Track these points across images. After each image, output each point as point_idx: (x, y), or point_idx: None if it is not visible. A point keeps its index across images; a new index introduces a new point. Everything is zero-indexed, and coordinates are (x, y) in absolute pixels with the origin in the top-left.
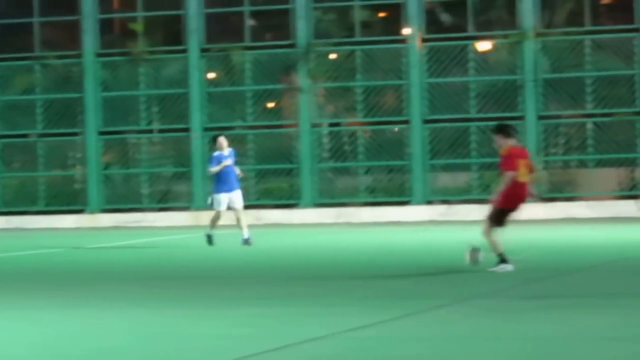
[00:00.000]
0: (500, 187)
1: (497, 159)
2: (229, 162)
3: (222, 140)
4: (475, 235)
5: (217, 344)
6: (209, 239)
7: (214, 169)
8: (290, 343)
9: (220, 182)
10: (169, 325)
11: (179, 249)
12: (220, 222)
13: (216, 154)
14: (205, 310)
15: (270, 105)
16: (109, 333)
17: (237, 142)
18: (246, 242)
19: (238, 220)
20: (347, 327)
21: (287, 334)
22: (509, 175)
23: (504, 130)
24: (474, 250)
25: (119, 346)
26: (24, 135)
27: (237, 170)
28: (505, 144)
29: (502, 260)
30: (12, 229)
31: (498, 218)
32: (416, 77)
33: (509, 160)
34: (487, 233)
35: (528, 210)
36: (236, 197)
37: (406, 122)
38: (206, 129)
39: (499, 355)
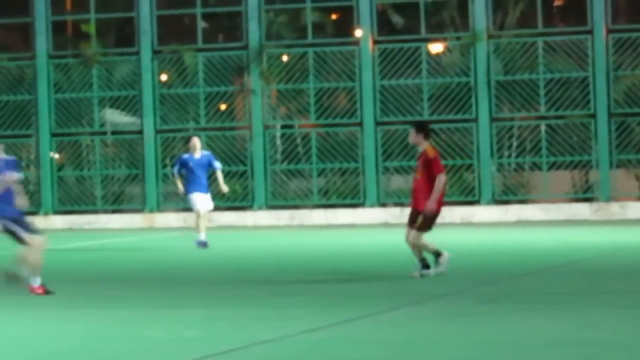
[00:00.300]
0: (436, 192)
1: (453, 161)
2: (179, 185)
3: (195, 142)
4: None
5: (168, 346)
6: (202, 244)
7: (177, 179)
8: (240, 346)
9: (189, 183)
10: (120, 327)
11: (132, 251)
12: (204, 221)
13: (185, 156)
14: (157, 312)
15: (223, 107)
16: (59, 335)
17: (183, 143)
18: (203, 244)
19: (199, 222)
20: (299, 330)
21: (237, 336)
22: (443, 178)
23: (427, 129)
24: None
25: (69, 348)
26: None
27: (224, 187)
28: (423, 143)
29: (437, 256)
30: None
31: (431, 224)
32: (368, 79)
33: (439, 163)
34: (418, 240)
35: (481, 213)
36: (205, 199)
37: (359, 124)
38: (158, 131)
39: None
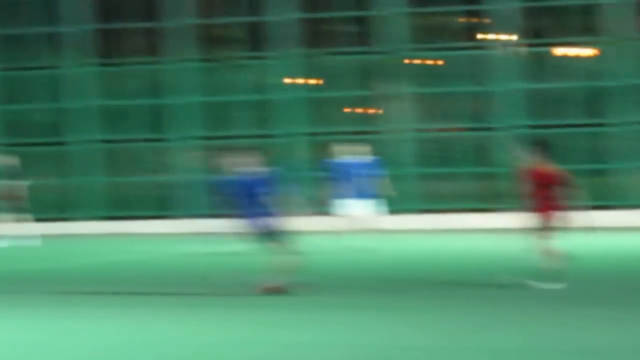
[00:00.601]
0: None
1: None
2: (326, 189)
3: (337, 148)
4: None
5: (304, 351)
6: (355, 248)
7: (325, 183)
8: (385, 352)
9: (339, 189)
10: (259, 331)
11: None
12: (353, 227)
13: (333, 160)
14: (297, 316)
15: (360, 111)
16: (203, 336)
17: (328, 148)
18: (357, 249)
19: (354, 228)
20: (445, 337)
21: (382, 341)
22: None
23: (543, 147)
24: None
25: (202, 351)
26: (124, 141)
27: (388, 187)
28: (534, 160)
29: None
30: (116, 234)
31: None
32: (504, 83)
33: (563, 174)
34: (548, 244)
35: (623, 218)
36: (361, 205)
37: (494, 128)
38: (296, 135)
39: None
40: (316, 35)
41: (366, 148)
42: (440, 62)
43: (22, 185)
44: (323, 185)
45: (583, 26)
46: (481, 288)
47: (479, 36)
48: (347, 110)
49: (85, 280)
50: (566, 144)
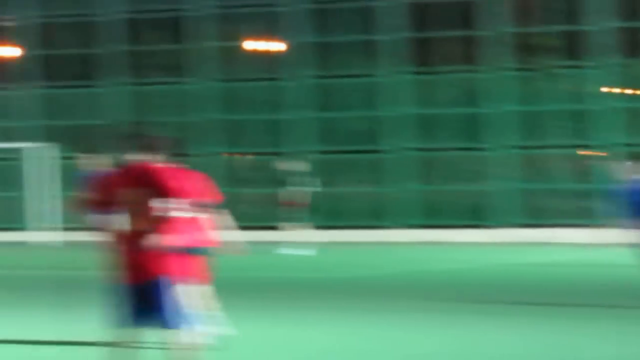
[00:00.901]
0: None
1: None
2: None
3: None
4: None
5: None
6: None
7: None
8: None
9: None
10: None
11: (576, 267)
12: None
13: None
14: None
15: None
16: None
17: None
18: None
19: None
20: None
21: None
22: None
23: None
24: None
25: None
26: (438, 149)
27: None
28: None
29: None
30: (429, 242)
31: None
32: None
33: None
34: None
35: None
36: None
37: None
38: (614, 145)
39: None
40: (635, 44)
41: None
42: None
43: (307, 192)
44: None
45: None
46: None
47: None
48: None
49: (412, 288)
50: None
